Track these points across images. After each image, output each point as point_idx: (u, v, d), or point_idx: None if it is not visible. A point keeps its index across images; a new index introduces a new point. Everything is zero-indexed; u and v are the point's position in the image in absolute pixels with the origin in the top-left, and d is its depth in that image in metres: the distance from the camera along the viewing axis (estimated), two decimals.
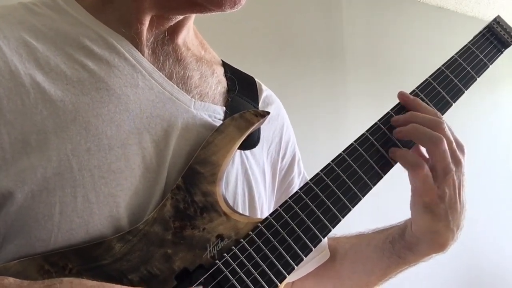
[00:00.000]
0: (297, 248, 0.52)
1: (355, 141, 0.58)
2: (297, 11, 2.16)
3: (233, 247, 0.50)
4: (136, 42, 0.55)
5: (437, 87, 0.63)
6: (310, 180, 0.56)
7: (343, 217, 0.55)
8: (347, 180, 0.56)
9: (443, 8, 2.72)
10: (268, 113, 0.58)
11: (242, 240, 0.51)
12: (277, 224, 0.52)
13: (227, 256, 0.49)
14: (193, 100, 0.57)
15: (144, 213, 0.50)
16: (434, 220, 0.59)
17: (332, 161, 0.57)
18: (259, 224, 0.52)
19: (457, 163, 0.58)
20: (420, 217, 0.60)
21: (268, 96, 0.70)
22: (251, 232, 0.51)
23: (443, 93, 0.63)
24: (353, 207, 0.55)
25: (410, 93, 0.62)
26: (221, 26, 1.64)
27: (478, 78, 0.66)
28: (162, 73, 0.56)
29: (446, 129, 0.58)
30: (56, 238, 0.46)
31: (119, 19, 0.56)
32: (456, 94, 0.64)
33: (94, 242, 0.47)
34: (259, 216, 0.61)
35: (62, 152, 0.47)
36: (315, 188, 0.55)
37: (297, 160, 0.73)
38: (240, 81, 0.66)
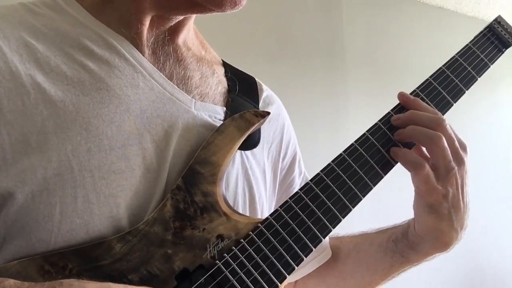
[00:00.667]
0: (297, 248, 0.52)
1: (355, 141, 0.58)
2: (297, 11, 2.16)
3: (233, 247, 0.50)
4: (136, 42, 0.55)
5: (438, 87, 0.63)
6: (311, 180, 0.56)
7: (343, 217, 0.55)
8: (347, 180, 0.56)
9: (443, 8, 2.72)
10: (268, 113, 0.58)
11: (242, 240, 0.51)
12: (277, 224, 0.52)
13: (227, 256, 0.49)
14: (194, 100, 0.57)
15: (144, 213, 0.50)
16: (438, 220, 0.59)
17: (332, 161, 0.57)
18: (259, 225, 0.52)
19: (460, 162, 0.58)
20: (424, 217, 0.60)
21: (268, 96, 0.70)
22: (251, 232, 0.51)
23: (444, 93, 0.63)
24: (353, 207, 0.55)
25: (411, 93, 0.62)
26: (221, 26, 1.64)
27: (479, 78, 0.65)
28: (163, 74, 0.56)
29: (448, 127, 0.58)
30: (56, 239, 0.46)
31: (119, 19, 0.56)
32: (457, 94, 0.64)
33: (94, 243, 0.47)
34: (259, 217, 0.61)
35: (62, 152, 0.47)
36: (315, 188, 0.55)
37: (297, 160, 0.73)
38: (240, 81, 0.66)
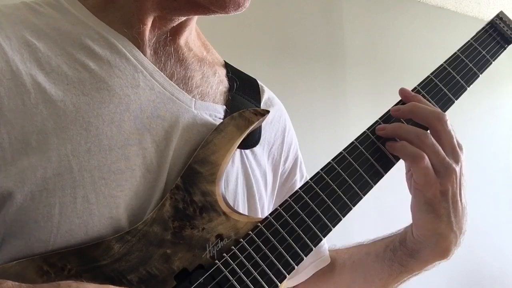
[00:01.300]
0: (297, 248, 0.51)
1: (355, 140, 0.58)
2: (297, 11, 2.16)
3: (233, 247, 0.50)
4: (138, 42, 0.55)
5: (439, 84, 0.62)
6: (310, 179, 0.55)
7: (343, 216, 0.54)
8: (347, 179, 0.55)
9: (443, 8, 2.72)
10: (268, 111, 0.57)
11: (241, 240, 0.50)
12: (277, 223, 0.52)
13: (226, 256, 0.49)
14: (194, 100, 0.57)
15: (144, 214, 0.50)
16: (436, 220, 0.57)
17: (332, 159, 0.57)
18: (259, 224, 0.52)
19: (456, 159, 0.57)
20: (422, 218, 0.58)
21: (270, 98, 0.69)
22: (250, 232, 0.51)
23: (445, 90, 0.62)
24: (353, 206, 0.55)
25: (412, 91, 0.61)
26: (221, 26, 1.64)
27: (480, 75, 0.64)
28: (164, 73, 0.56)
29: (448, 122, 0.57)
30: (55, 239, 0.46)
31: (121, 19, 0.55)
32: (459, 91, 0.63)
33: (93, 243, 0.47)
34: (260, 216, 0.60)
35: (62, 152, 0.47)
36: (315, 187, 0.54)
37: (299, 163, 0.73)
38: (242, 81, 0.66)
